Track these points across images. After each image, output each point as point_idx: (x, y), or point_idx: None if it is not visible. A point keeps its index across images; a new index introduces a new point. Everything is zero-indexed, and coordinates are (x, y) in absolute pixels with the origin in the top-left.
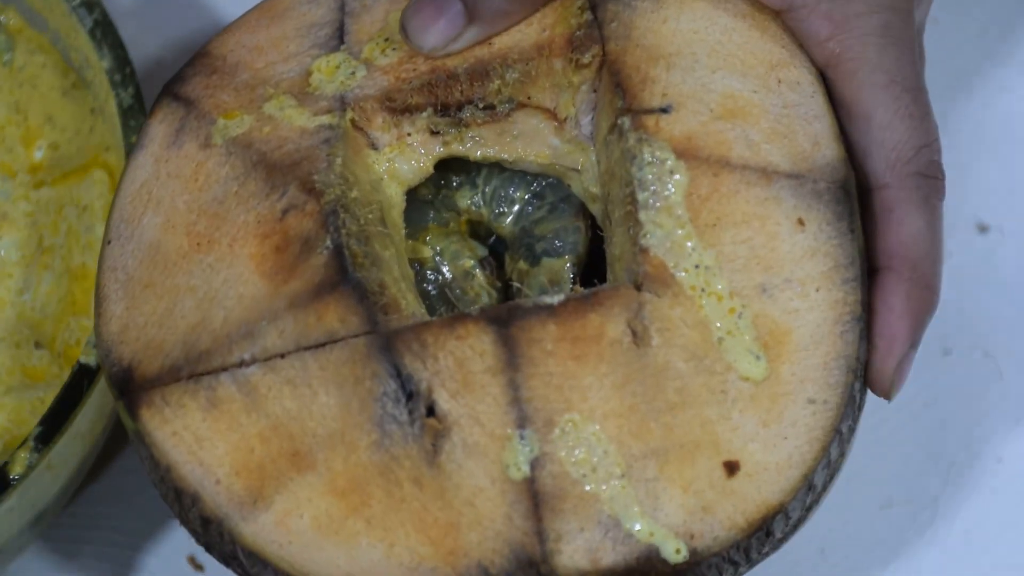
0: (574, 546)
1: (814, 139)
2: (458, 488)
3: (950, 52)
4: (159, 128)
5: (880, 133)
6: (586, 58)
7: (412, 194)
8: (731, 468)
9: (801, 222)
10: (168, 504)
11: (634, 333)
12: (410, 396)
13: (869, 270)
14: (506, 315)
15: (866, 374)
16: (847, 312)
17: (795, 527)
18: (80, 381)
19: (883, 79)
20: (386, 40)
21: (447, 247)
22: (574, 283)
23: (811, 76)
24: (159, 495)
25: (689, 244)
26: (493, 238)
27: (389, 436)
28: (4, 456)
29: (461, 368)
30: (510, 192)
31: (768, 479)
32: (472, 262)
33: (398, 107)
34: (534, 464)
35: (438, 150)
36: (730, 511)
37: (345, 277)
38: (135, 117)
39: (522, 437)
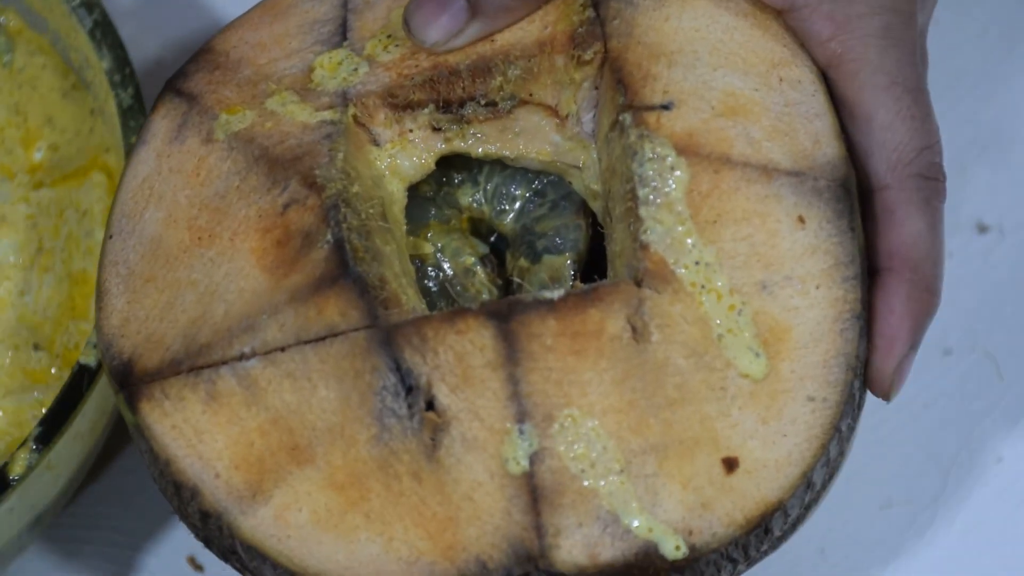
0: (572, 541)
1: (815, 137)
2: (457, 482)
3: (950, 52)
4: (161, 124)
5: (881, 134)
6: (588, 55)
7: (414, 191)
8: (730, 465)
9: (801, 219)
10: (167, 498)
11: (634, 329)
12: (410, 390)
13: (870, 271)
14: (506, 310)
15: (866, 374)
16: (847, 310)
17: (794, 525)
18: (80, 382)
19: (884, 80)
20: (388, 37)
21: (448, 244)
22: (574, 280)
23: (812, 75)
24: (159, 494)
25: (689, 240)
26: (494, 235)
27: (388, 430)
28: (4, 457)
29: (461, 362)
30: (511, 189)
31: (767, 476)
32: (473, 259)
33: (400, 103)
34: (533, 459)
35: (440, 146)
36: (729, 508)
37: (346, 271)
38: (135, 117)
39: (521, 432)
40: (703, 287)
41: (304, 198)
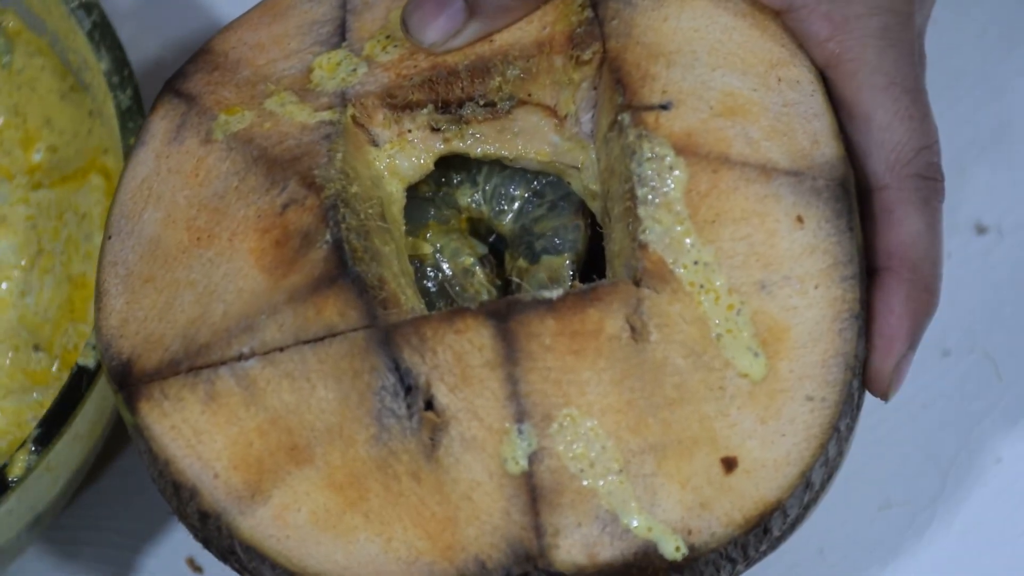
0: (571, 541)
1: (813, 137)
2: (456, 482)
3: (949, 52)
4: (160, 124)
5: (880, 134)
6: (587, 55)
7: (412, 191)
8: (729, 465)
9: (800, 219)
10: (166, 499)
11: (632, 329)
12: (408, 390)
13: (869, 271)
14: (505, 309)
15: (864, 374)
16: (845, 310)
17: (793, 526)
18: (79, 383)
19: (882, 81)
20: (387, 37)
21: (447, 244)
22: (573, 280)
23: (811, 75)
24: (158, 495)
25: (688, 240)
26: (493, 236)
27: (387, 430)
28: (4, 458)
29: (460, 362)
30: (510, 190)
31: (766, 476)
32: (472, 259)
33: (399, 104)
34: (532, 458)
35: (438, 147)
36: (728, 508)
37: (344, 271)
38: (133, 119)
39: (520, 431)
40: (702, 287)
41: (303, 198)
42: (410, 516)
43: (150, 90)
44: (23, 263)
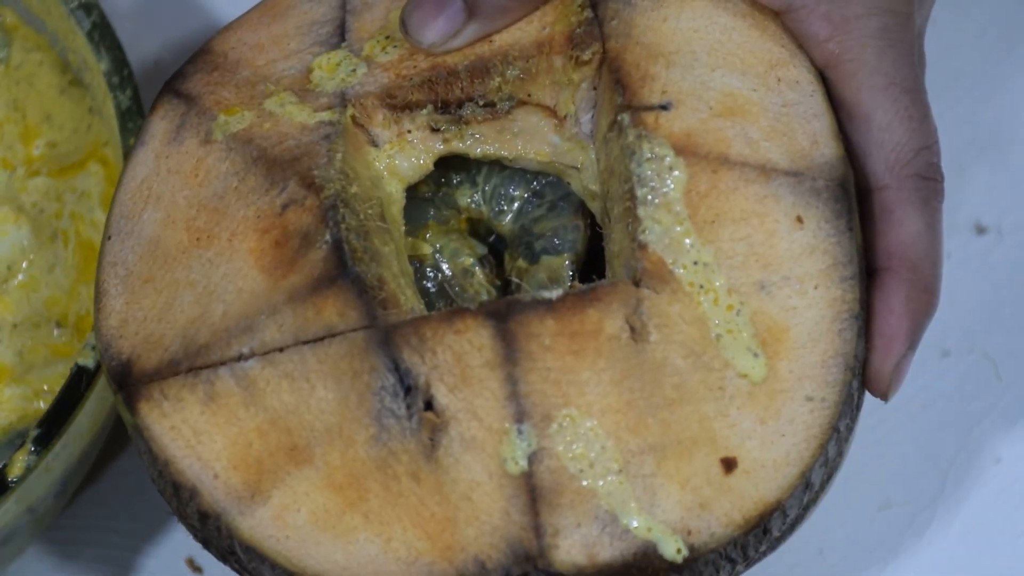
0: (571, 541)
1: (813, 137)
2: (455, 483)
3: (949, 53)
4: (160, 124)
5: (880, 135)
6: (586, 55)
7: (412, 191)
8: (728, 465)
9: (800, 219)
10: (166, 499)
11: (632, 329)
12: (408, 390)
13: (868, 271)
14: (504, 310)
15: (864, 374)
16: (845, 310)
17: (793, 526)
18: (78, 383)
19: (882, 81)
20: (387, 38)
21: (447, 245)
22: (573, 281)
23: (810, 75)
24: (158, 495)
25: (687, 240)
26: (493, 236)
27: (387, 430)
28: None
29: (459, 362)
30: (510, 190)
31: (766, 476)
32: (472, 260)
33: (398, 104)
34: (532, 459)
35: (438, 147)
36: (727, 508)
37: (344, 271)
38: (133, 119)
39: (520, 431)
40: (701, 287)
41: (302, 199)
42: (410, 516)
43: (150, 90)
44: (37, 248)
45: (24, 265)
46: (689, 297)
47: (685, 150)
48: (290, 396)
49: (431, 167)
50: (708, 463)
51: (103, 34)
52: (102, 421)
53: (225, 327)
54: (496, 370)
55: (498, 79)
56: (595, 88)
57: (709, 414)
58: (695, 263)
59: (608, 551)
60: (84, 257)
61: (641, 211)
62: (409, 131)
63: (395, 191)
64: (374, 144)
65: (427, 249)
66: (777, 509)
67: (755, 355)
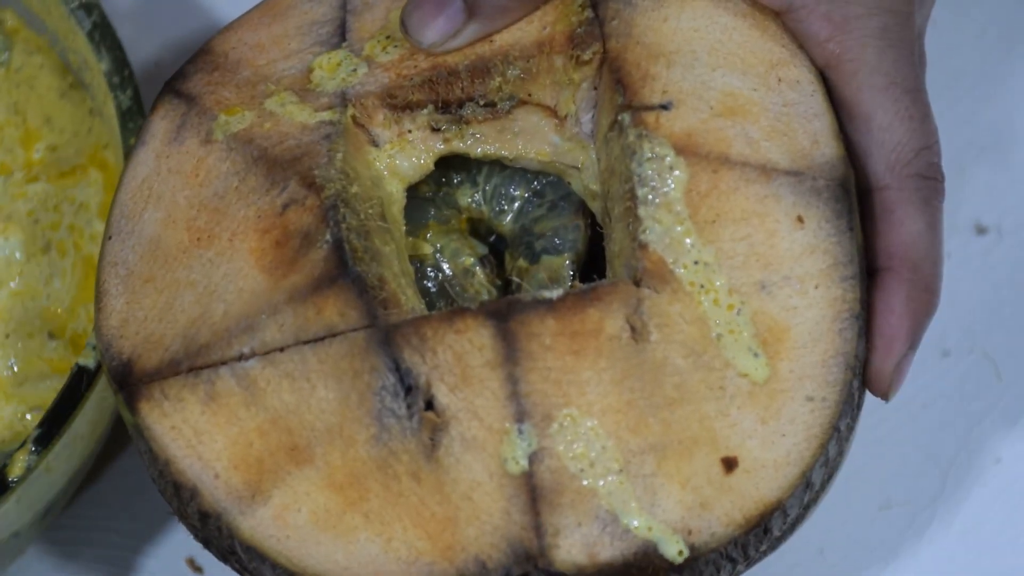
0: (571, 541)
1: (813, 137)
2: (456, 482)
3: (949, 53)
4: (160, 124)
5: (880, 135)
6: (587, 55)
7: (413, 191)
8: (729, 465)
9: (800, 219)
10: (167, 499)
11: (633, 329)
12: (409, 390)
13: (869, 271)
14: (505, 309)
15: (864, 374)
16: (846, 310)
17: (793, 526)
18: (79, 383)
19: (882, 81)
20: (387, 38)
21: (447, 244)
22: (573, 281)
23: (811, 75)
24: (158, 495)
25: (688, 240)
26: (493, 236)
27: (387, 430)
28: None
29: (460, 362)
30: (510, 190)
31: (766, 476)
32: (472, 260)
33: (399, 104)
34: (532, 458)
35: (439, 147)
36: (728, 508)
37: (345, 271)
38: (133, 119)
39: (520, 431)
40: (702, 287)
41: (303, 198)
42: (410, 516)
43: (150, 90)
44: (31, 257)
45: (16, 277)
46: (690, 297)
47: (686, 150)
48: (291, 396)
49: (432, 167)
50: (709, 463)
51: (104, 34)
52: (103, 420)
53: (226, 327)
54: (497, 370)
55: (499, 79)
56: (596, 88)
57: (710, 414)
58: (696, 263)
59: (609, 551)
60: (85, 275)
61: (642, 211)
62: (409, 131)
63: (396, 191)
64: (375, 144)
65: (428, 249)
66: (778, 509)
67: (756, 355)
